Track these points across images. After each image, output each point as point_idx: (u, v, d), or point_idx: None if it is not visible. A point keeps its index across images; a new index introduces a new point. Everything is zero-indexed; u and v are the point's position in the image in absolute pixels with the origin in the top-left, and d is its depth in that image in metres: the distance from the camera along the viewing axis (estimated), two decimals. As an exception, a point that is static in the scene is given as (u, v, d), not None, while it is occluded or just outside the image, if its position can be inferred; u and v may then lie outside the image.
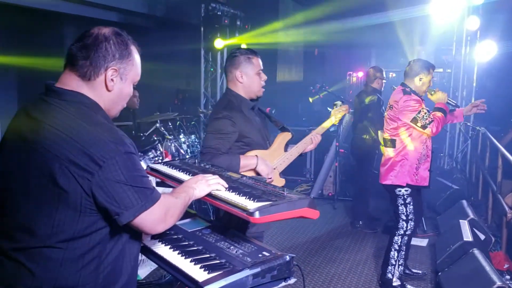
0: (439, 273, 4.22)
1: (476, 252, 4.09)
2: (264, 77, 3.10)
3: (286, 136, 3.25)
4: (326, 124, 3.48)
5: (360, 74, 9.14)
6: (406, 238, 4.11)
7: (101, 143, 1.54)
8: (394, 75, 6.07)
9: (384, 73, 5.94)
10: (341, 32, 9.28)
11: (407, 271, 4.47)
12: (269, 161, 3.02)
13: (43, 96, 1.67)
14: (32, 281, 1.57)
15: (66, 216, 1.55)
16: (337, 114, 3.53)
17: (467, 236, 4.47)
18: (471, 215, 5.10)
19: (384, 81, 5.93)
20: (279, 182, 3.10)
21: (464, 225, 4.76)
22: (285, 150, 3.23)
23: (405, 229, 4.08)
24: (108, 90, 1.70)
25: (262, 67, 3.10)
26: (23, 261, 1.58)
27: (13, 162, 1.64)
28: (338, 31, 9.28)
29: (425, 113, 3.90)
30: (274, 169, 3.08)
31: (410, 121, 3.93)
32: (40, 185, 1.56)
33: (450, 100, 4.17)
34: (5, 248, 1.62)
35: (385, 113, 4.27)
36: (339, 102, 3.63)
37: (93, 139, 1.54)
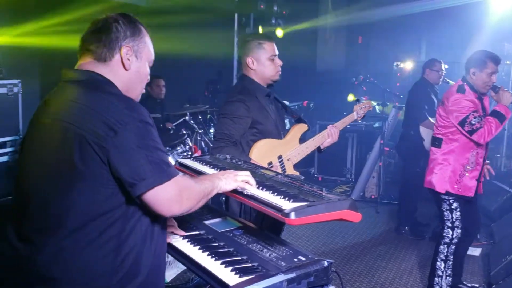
0: (493, 286, 4.13)
1: (536, 264, 3.99)
2: (279, 62, 3.21)
3: (301, 128, 3.35)
4: (347, 120, 3.58)
5: (409, 64, 8.98)
6: (453, 247, 3.99)
7: (116, 110, 1.63)
8: (446, 66, 5.95)
9: (442, 64, 5.81)
10: (388, 18, 9.15)
11: (460, 285, 4.34)
12: (282, 152, 3.14)
13: (60, 82, 1.83)
14: (46, 272, 1.64)
15: (83, 193, 1.63)
16: (360, 111, 3.61)
17: (526, 246, 4.36)
18: (531, 223, 4.97)
19: (441, 72, 5.81)
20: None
21: (523, 234, 4.65)
22: (300, 142, 3.31)
23: (450, 237, 3.96)
24: (126, 69, 1.84)
25: (276, 52, 3.21)
26: (37, 251, 1.65)
27: (32, 147, 1.77)
28: (385, 18, 9.16)
29: (475, 117, 3.73)
30: (288, 160, 3.18)
31: (458, 123, 3.81)
32: (56, 163, 1.65)
33: None
34: (17, 236, 1.72)
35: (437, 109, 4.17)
36: (362, 98, 3.70)
37: (108, 106, 1.64)
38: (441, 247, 4.02)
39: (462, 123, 3.78)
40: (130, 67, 1.85)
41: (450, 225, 3.95)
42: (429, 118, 5.61)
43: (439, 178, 3.93)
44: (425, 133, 5.69)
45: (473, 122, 3.74)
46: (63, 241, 1.63)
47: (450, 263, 4.04)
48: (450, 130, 3.90)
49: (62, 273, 1.63)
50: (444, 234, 3.98)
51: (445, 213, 3.96)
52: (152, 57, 1.96)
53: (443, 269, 4.03)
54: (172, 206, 1.70)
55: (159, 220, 1.82)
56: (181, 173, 1.77)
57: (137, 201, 1.67)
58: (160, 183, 1.65)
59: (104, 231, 1.65)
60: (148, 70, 1.94)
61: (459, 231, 3.95)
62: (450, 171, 3.90)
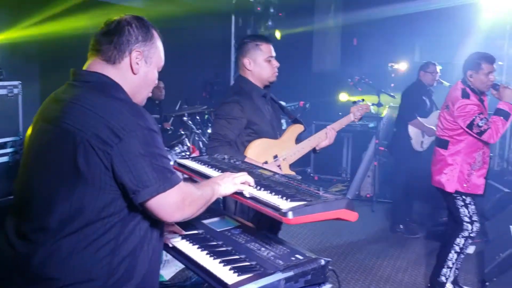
0: (487, 283, 4.15)
1: (529, 261, 4.01)
2: (276, 63, 3.21)
3: (297, 128, 3.35)
4: (344, 121, 3.55)
5: (403, 65, 8.99)
6: (469, 241, 4.01)
7: (122, 116, 1.62)
8: (440, 67, 5.99)
9: (436, 66, 5.85)
10: (382, 19, 9.18)
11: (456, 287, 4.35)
12: (277, 152, 3.15)
13: (68, 81, 1.81)
14: (41, 271, 1.63)
15: (84, 197, 1.62)
16: (357, 112, 3.59)
17: (519, 244, 4.37)
18: (524, 221, 4.98)
19: (435, 74, 5.85)
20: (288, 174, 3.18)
21: (516, 232, 4.66)
22: (297, 142, 3.31)
23: (470, 231, 3.96)
24: (134, 73, 1.82)
25: (273, 54, 3.21)
26: (33, 250, 1.64)
27: (36, 147, 1.76)
28: (379, 19, 9.19)
29: (481, 119, 3.78)
30: (283, 160, 3.19)
31: (466, 127, 3.85)
32: (59, 165, 1.64)
33: None
34: (16, 233, 1.72)
35: (440, 111, 4.19)
36: (359, 100, 3.73)
37: (114, 112, 1.63)
38: (458, 239, 4.01)
39: (470, 126, 3.82)
40: (139, 71, 1.83)
41: (468, 220, 3.96)
42: (418, 118, 5.67)
43: (449, 179, 3.97)
44: (413, 133, 5.76)
45: (480, 124, 3.78)
46: (61, 242, 1.62)
47: (462, 256, 4.08)
48: (456, 132, 3.94)
49: (58, 273, 1.62)
50: (464, 228, 3.98)
51: (461, 209, 3.98)
52: (162, 62, 1.93)
53: (454, 261, 4.04)
54: (174, 213, 1.71)
55: (158, 225, 1.82)
56: (183, 181, 1.76)
57: (138, 208, 1.67)
58: (163, 190, 1.64)
59: (103, 234, 1.64)
60: (156, 75, 1.92)
61: (478, 225, 3.98)
62: (458, 171, 3.94)
